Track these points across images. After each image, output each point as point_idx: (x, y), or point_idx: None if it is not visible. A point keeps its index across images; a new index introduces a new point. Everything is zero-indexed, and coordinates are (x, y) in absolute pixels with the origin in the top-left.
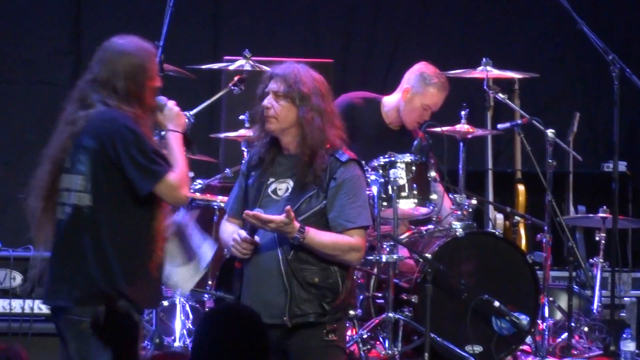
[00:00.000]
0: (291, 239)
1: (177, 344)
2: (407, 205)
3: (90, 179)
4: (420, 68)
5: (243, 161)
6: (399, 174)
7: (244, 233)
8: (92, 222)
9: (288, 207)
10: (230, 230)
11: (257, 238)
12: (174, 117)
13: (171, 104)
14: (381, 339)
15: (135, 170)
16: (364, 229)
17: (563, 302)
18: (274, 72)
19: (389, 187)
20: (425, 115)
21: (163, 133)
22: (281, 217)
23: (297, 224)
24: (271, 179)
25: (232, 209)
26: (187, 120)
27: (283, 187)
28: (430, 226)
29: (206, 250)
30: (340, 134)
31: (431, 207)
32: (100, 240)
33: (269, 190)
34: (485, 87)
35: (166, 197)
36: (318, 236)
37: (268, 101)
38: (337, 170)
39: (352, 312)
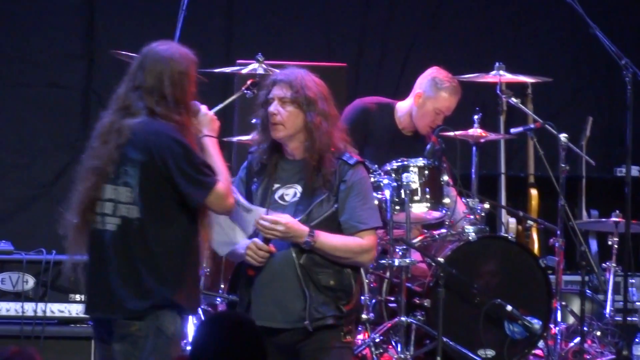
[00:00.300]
0: (302, 244)
1: (189, 348)
2: (419, 209)
3: (139, 191)
4: (432, 73)
5: (241, 167)
6: (412, 178)
7: (259, 241)
8: (142, 233)
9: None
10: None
11: (271, 245)
12: (209, 121)
13: (205, 109)
14: (393, 343)
15: (187, 183)
16: (375, 230)
17: (575, 306)
18: (277, 78)
19: (402, 191)
20: (438, 120)
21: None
22: (287, 216)
23: (305, 228)
24: (276, 185)
25: None
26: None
27: (290, 192)
28: (443, 230)
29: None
30: (344, 137)
31: (444, 211)
32: (151, 252)
33: (276, 196)
34: (498, 92)
35: (215, 206)
36: (328, 239)
37: (274, 107)
38: (347, 173)
39: (364, 316)
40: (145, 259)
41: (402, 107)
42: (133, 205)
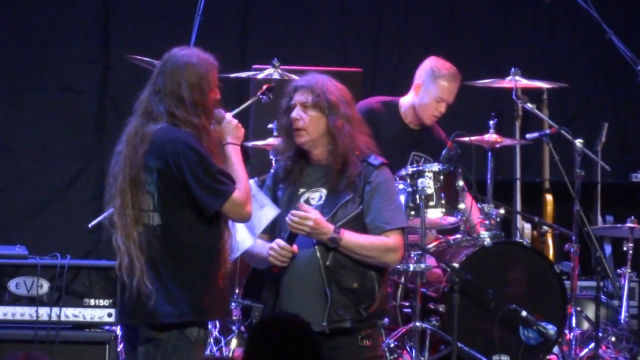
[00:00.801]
0: (328, 240)
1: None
2: (435, 214)
3: (159, 199)
4: (430, 62)
5: (268, 175)
6: (427, 183)
7: (282, 242)
8: (164, 240)
9: (300, 203)
10: (260, 244)
11: (294, 246)
12: (233, 129)
13: (229, 116)
14: (408, 348)
15: (202, 190)
16: (401, 230)
17: (590, 312)
18: (298, 84)
19: (417, 197)
20: (441, 108)
21: None
22: (315, 212)
23: (331, 226)
24: (302, 189)
25: None
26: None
27: (316, 195)
28: (458, 235)
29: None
30: (367, 140)
31: (459, 217)
32: (174, 258)
33: (302, 200)
34: (513, 97)
35: (232, 214)
36: (354, 237)
37: (297, 113)
38: (371, 175)
39: (379, 321)
40: (168, 265)
41: (405, 101)
42: (154, 212)
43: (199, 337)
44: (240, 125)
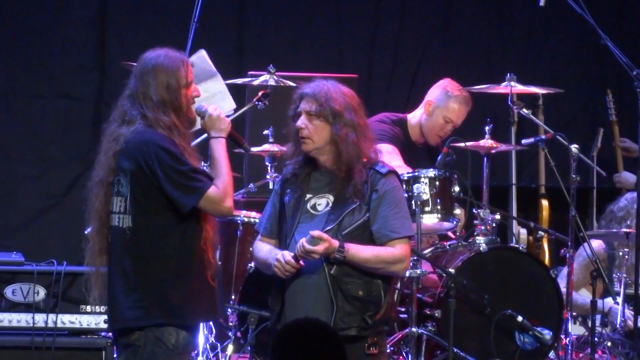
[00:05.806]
0: (332, 258)
1: (200, 359)
2: (430, 220)
3: (131, 201)
4: (444, 83)
5: (277, 180)
6: (423, 189)
7: (288, 255)
8: (134, 243)
9: (312, 232)
10: (267, 249)
11: (302, 262)
12: (215, 122)
13: (212, 109)
14: (404, 354)
15: (175, 189)
16: (408, 239)
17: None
18: (304, 91)
19: (413, 202)
20: (447, 129)
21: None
22: (324, 245)
23: (336, 243)
24: (309, 195)
25: (265, 229)
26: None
27: (322, 202)
28: (454, 241)
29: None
30: (374, 147)
31: (455, 222)
32: (144, 261)
33: (308, 206)
34: (509, 103)
35: (210, 211)
36: (359, 253)
37: (301, 122)
38: (378, 182)
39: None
40: (138, 268)
41: (413, 118)
42: (126, 214)
43: (177, 343)
44: (222, 116)
